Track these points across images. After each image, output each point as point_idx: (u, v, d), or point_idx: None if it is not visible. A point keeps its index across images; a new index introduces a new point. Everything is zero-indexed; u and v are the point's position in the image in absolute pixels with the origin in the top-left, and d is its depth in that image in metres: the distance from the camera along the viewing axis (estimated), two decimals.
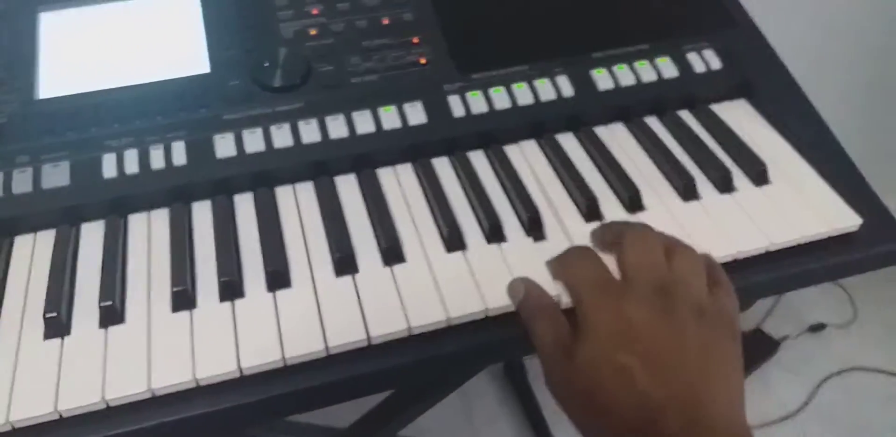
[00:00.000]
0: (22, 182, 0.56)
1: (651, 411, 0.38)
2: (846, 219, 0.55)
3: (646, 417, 0.38)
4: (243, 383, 0.47)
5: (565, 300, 0.49)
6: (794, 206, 0.56)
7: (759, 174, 0.58)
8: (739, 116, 0.64)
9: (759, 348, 1.41)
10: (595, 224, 0.55)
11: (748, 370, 1.38)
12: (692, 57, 0.64)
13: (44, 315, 0.49)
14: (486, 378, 1.38)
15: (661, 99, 0.64)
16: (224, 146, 0.58)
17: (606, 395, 0.40)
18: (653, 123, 0.64)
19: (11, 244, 0.56)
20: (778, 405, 1.36)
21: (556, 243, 0.54)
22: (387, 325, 0.49)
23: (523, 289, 0.48)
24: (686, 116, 0.64)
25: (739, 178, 0.59)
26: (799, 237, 0.54)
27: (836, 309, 1.50)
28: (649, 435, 0.38)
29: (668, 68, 0.63)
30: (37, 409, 0.45)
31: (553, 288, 0.49)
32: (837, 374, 1.40)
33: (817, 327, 1.47)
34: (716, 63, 0.64)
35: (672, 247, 0.46)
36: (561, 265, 0.49)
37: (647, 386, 0.39)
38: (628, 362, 0.40)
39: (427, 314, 0.49)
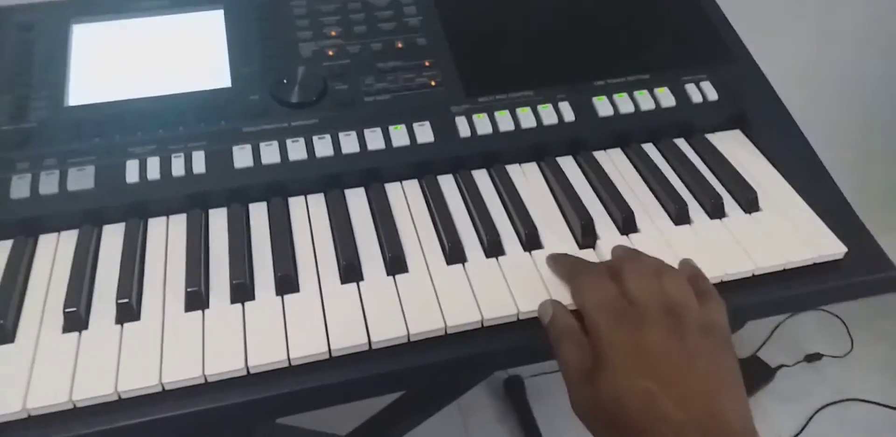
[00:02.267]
0: (48, 184, 0.59)
1: (672, 431, 0.41)
2: (831, 247, 0.57)
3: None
4: (249, 381, 0.50)
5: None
6: (781, 232, 0.58)
7: (749, 202, 0.61)
8: (734, 145, 0.67)
9: (755, 375, 1.42)
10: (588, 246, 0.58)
11: None
12: (690, 88, 0.67)
13: (63, 310, 0.52)
14: (484, 394, 1.40)
15: (658, 127, 0.67)
16: (242, 157, 0.61)
17: (629, 418, 0.42)
18: (650, 149, 0.67)
19: (36, 243, 0.59)
20: (772, 433, 1.37)
21: None
22: (387, 331, 0.51)
23: (551, 311, 0.50)
24: (682, 144, 0.67)
25: (731, 204, 0.61)
26: (784, 262, 0.56)
27: (832, 340, 1.51)
28: None
29: (667, 98, 0.66)
30: (52, 398, 0.48)
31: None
32: (831, 404, 1.40)
33: (813, 357, 1.48)
34: (713, 94, 0.67)
35: (659, 270, 0.48)
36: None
37: (667, 409, 0.41)
38: (649, 386, 0.42)
39: (426, 322, 0.52)
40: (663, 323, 0.45)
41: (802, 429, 1.38)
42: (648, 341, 0.44)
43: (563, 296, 0.53)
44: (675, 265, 0.52)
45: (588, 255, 0.57)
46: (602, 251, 0.57)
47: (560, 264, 0.55)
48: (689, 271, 0.51)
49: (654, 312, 0.45)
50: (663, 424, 0.41)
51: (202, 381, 0.49)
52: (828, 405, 1.41)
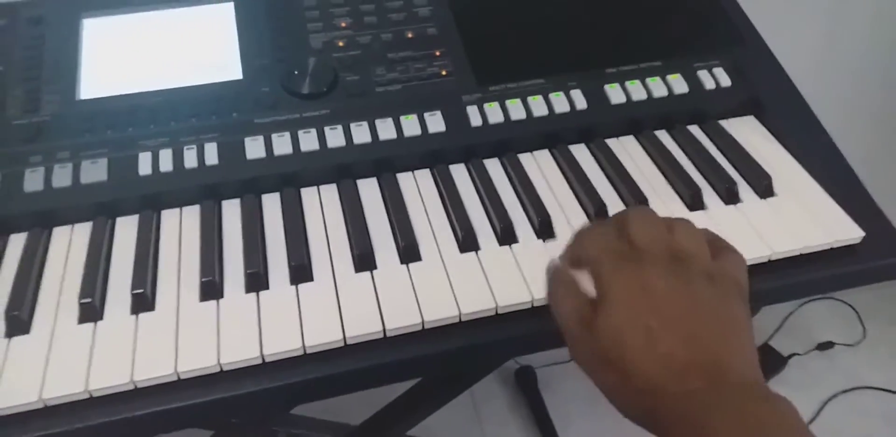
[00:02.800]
0: (62, 177, 0.59)
1: (675, 371, 0.40)
2: (848, 231, 0.57)
3: (670, 377, 0.40)
4: (265, 369, 0.50)
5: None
6: (797, 217, 0.58)
7: (764, 187, 0.60)
8: (747, 131, 0.66)
9: (766, 364, 1.42)
10: None
11: None
12: (702, 74, 0.67)
13: (79, 301, 0.52)
14: (496, 383, 1.40)
15: (671, 114, 0.67)
16: (254, 148, 0.61)
17: (631, 358, 0.41)
18: (663, 136, 0.66)
19: (50, 235, 0.59)
20: None
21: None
22: (402, 318, 0.51)
23: (552, 265, 0.49)
24: (695, 130, 0.67)
25: (745, 190, 0.61)
26: (801, 247, 0.56)
27: (844, 328, 1.50)
28: (675, 395, 0.39)
29: (679, 85, 0.66)
30: (68, 388, 0.48)
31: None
32: (844, 392, 1.40)
33: (825, 346, 1.47)
34: (725, 80, 0.67)
35: (671, 223, 0.47)
36: (577, 244, 0.49)
37: (669, 347, 0.40)
38: (650, 324, 0.41)
39: (440, 310, 0.52)
40: (666, 266, 0.43)
41: (815, 417, 1.37)
42: (650, 281, 0.43)
43: None
44: None
45: None
46: None
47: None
48: (707, 232, 0.49)
49: (657, 255, 0.44)
50: (665, 363, 0.40)
51: (218, 370, 0.49)
52: (840, 393, 1.40)
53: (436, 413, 0.95)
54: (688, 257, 0.44)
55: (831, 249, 0.57)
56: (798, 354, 1.46)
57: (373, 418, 0.93)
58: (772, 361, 1.43)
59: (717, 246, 0.47)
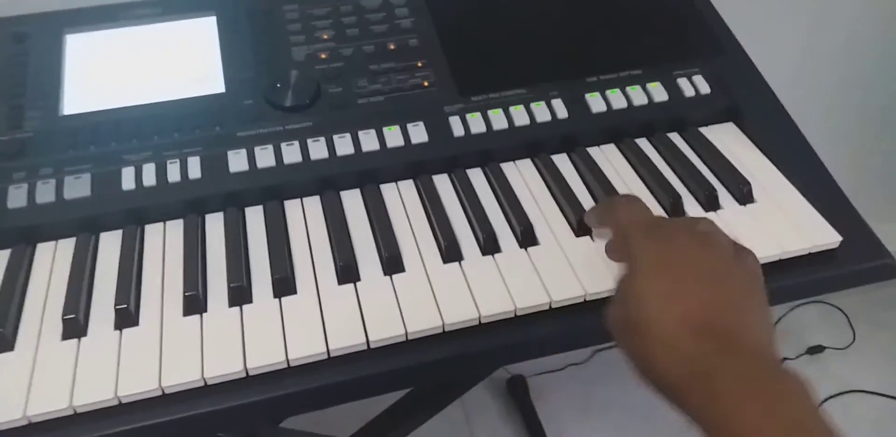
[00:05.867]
0: (45, 193, 0.59)
1: (690, 331, 0.41)
2: (826, 236, 0.58)
3: (685, 336, 0.41)
4: (249, 383, 0.50)
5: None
6: (777, 223, 0.59)
7: (743, 193, 0.61)
8: (727, 138, 0.67)
9: None
10: (585, 238, 0.58)
11: None
12: (682, 82, 0.68)
13: (62, 317, 0.52)
14: (487, 392, 1.40)
15: (651, 122, 0.67)
16: (237, 162, 0.61)
17: (650, 318, 0.42)
18: (643, 144, 0.67)
19: (34, 251, 0.59)
20: None
21: (548, 254, 0.57)
22: (385, 330, 0.52)
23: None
24: (675, 137, 0.67)
25: (725, 196, 0.61)
26: (781, 253, 0.57)
27: (834, 332, 1.51)
28: (690, 355, 0.40)
29: (659, 93, 0.67)
30: (53, 404, 0.48)
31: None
32: (835, 396, 1.41)
33: (816, 350, 1.48)
34: (705, 88, 0.68)
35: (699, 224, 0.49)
36: (610, 210, 0.53)
37: (687, 308, 0.42)
38: (672, 287, 0.43)
39: (423, 321, 0.52)
40: (693, 240, 0.46)
41: None
42: (677, 251, 0.45)
43: (562, 291, 0.53)
44: None
45: (585, 243, 0.57)
46: (599, 245, 0.57)
47: (597, 207, 0.56)
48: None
49: (685, 230, 0.46)
50: (681, 322, 0.41)
51: (202, 384, 0.50)
52: (831, 397, 1.41)
53: (427, 424, 0.95)
54: (716, 238, 0.46)
55: (810, 254, 0.57)
56: (789, 358, 1.46)
57: (362, 429, 0.93)
58: None
59: (738, 247, 0.49)
